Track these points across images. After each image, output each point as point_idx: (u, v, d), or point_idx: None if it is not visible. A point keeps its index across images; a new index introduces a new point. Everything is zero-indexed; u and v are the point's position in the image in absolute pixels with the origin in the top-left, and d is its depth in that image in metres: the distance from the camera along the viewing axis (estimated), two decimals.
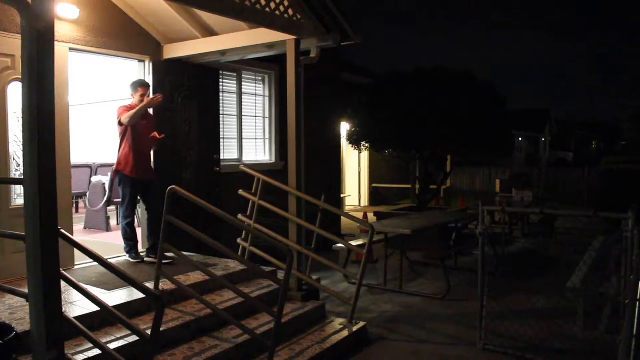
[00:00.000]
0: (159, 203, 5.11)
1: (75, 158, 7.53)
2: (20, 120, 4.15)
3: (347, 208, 14.85)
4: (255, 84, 8.55)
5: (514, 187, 11.82)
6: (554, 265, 8.34)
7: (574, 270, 5.88)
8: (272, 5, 5.32)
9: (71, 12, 5.38)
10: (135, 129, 5.67)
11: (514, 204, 10.38)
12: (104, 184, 7.98)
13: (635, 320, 1.82)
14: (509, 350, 4.91)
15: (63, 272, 3.06)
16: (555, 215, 10.64)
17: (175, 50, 6.45)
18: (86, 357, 3.59)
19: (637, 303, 2.05)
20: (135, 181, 5.70)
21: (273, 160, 8.72)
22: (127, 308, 4.24)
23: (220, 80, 7.49)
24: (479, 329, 5.08)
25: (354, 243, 7.34)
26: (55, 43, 2.80)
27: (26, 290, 2.84)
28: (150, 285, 4.63)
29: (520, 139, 33.27)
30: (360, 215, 9.73)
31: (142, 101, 5.70)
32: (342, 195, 12.64)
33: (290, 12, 5.52)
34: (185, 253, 4.95)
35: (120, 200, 8.06)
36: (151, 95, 5.83)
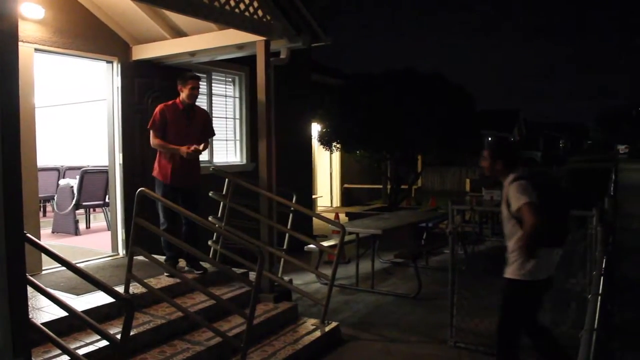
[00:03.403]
0: (194, 209, 4.98)
1: (43, 161, 7.42)
2: None
3: (318, 209, 14.87)
4: (226, 85, 8.51)
5: (483, 187, 11.98)
6: None
7: None
8: (242, 6, 5.30)
9: (36, 12, 5.28)
10: (174, 132, 5.30)
11: (484, 203, 10.52)
12: (72, 187, 7.84)
13: (597, 314, 1.88)
14: (479, 347, 4.98)
15: (30, 277, 3.01)
16: None
17: (145, 51, 6.39)
18: None
19: (599, 298, 2.12)
20: (169, 188, 5.27)
21: (244, 161, 8.69)
22: (96, 313, 4.18)
23: None
24: (449, 327, 5.15)
25: (325, 244, 7.36)
26: (20, 43, 2.76)
27: None
28: (120, 289, 4.58)
29: (489, 139, 33.72)
30: (332, 215, 9.76)
31: (191, 96, 5.30)
32: (313, 196, 12.66)
33: (260, 13, 5.51)
34: (156, 256, 4.90)
35: (89, 203, 8.04)
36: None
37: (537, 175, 3.81)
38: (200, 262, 5.42)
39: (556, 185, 3.98)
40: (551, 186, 3.84)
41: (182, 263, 5.58)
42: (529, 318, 3.99)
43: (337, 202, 16.70)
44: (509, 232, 3.78)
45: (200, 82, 7.80)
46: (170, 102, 5.42)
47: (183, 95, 5.36)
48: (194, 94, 5.37)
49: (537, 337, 4.00)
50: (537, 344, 4.04)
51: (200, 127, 5.51)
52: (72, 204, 7.74)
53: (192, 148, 5.18)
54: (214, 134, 5.78)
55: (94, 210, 8.84)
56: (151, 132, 5.33)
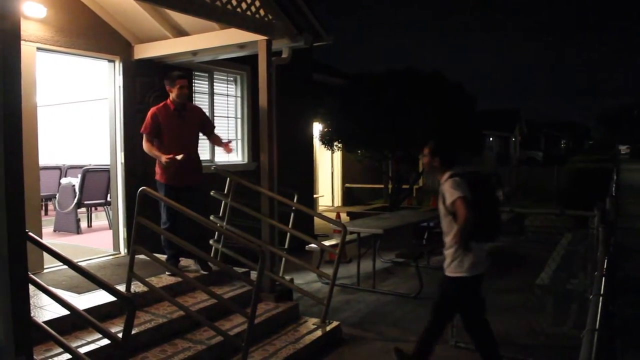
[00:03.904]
0: (200, 208, 5.03)
1: (45, 160, 7.43)
2: None
3: (320, 208, 14.87)
4: (227, 84, 8.51)
5: None
6: (524, 263, 8.49)
7: (543, 267, 5.99)
8: (244, 5, 5.30)
9: (38, 11, 5.29)
10: (169, 134, 5.28)
11: None
12: (73, 185, 7.85)
13: (599, 314, 1.89)
14: None
15: (32, 276, 3.01)
16: (525, 214, 10.81)
17: (146, 51, 6.39)
18: None
19: (600, 298, 2.12)
20: (170, 188, 5.28)
21: (246, 161, 8.69)
22: (98, 311, 4.19)
23: (193, 80, 7.44)
24: (450, 327, 5.14)
25: (327, 243, 7.37)
26: (22, 42, 2.77)
27: None
28: (121, 287, 4.58)
29: (491, 138, 33.71)
30: (333, 215, 9.76)
31: (181, 95, 5.27)
32: (315, 196, 12.66)
33: (262, 12, 5.51)
34: (157, 255, 4.90)
35: (91, 202, 8.05)
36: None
37: (471, 174, 4.02)
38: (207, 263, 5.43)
39: (488, 183, 4.24)
40: (483, 184, 4.05)
41: (184, 262, 5.59)
42: (470, 314, 4.19)
43: (338, 201, 16.70)
44: (446, 229, 4.00)
45: (202, 82, 7.88)
46: (161, 104, 5.39)
47: (173, 95, 5.32)
48: (184, 92, 5.34)
49: (438, 331, 4.23)
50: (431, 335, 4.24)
51: (196, 126, 5.51)
52: (74, 203, 7.75)
53: (170, 157, 5.09)
54: (214, 127, 5.75)
55: (96, 209, 8.86)
56: (144, 135, 5.32)
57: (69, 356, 3.46)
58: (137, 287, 4.79)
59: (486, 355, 4.17)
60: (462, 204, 3.68)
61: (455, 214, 3.79)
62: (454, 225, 3.83)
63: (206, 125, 5.62)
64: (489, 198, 3.99)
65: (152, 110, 5.35)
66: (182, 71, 6.76)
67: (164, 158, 5.11)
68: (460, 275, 3.93)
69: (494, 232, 4.07)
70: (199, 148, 5.69)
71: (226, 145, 5.47)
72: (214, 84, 8.16)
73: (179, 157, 5.11)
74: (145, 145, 5.32)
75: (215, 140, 5.66)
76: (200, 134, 5.64)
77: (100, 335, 3.68)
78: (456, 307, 4.15)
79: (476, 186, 3.88)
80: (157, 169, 5.38)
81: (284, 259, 6.19)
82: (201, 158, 5.63)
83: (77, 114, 10.10)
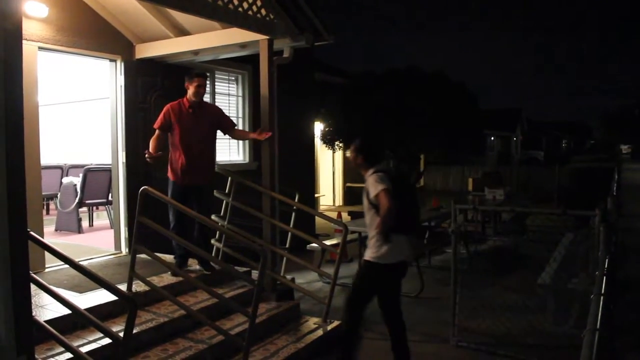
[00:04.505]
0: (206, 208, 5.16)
1: (46, 159, 7.43)
2: None
3: (321, 208, 14.87)
4: (229, 83, 8.51)
5: (486, 186, 11.96)
6: (525, 262, 8.46)
7: (544, 267, 5.98)
8: (245, 5, 5.31)
9: (40, 10, 5.29)
10: (180, 130, 5.29)
11: (486, 203, 10.51)
12: (75, 185, 7.86)
13: (599, 314, 1.89)
14: (481, 347, 4.98)
15: (33, 275, 3.02)
16: (526, 213, 10.80)
17: (148, 50, 6.39)
18: None
19: (601, 297, 2.12)
20: (180, 187, 5.32)
21: (247, 160, 8.70)
22: (99, 311, 4.19)
23: None
24: (452, 326, 5.14)
25: (328, 242, 7.36)
26: (24, 42, 2.77)
27: None
28: (123, 287, 4.58)
29: (492, 138, 33.67)
30: (334, 214, 9.76)
31: (196, 93, 5.30)
32: (316, 195, 12.66)
33: (263, 12, 5.52)
34: (159, 254, 4.90)
35: (92, 202, 8.06)
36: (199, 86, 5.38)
37: (392, 171, 4.34)
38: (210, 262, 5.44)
39: (407, 179, 4.64)
40: (403, 180, 4.36)
41: (190, 262, 5.60)
42: (384, 300, 4.54)
43: (339, 201, 16.70)
44: (369, 221, 4.19)
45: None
46: (176, 102, 5.42)
47: (190, 92, 5.37)
48: (200, 91, 5.36)
49: (357, 325, 4.55)
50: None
51: (211, 124, 5.49)
52: (76, 202, 7.76)
53: (146, 151, 5.22)
54: (233, 124, 5.73)
55: (97, 209, 8.86)
56: (156, 130, 5.39)
57: (70, 355, 3.47)
58: (138, 286, 4.79)
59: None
60: (385, 195, 3.88)
61: (377, 207, 3.98)
62: (377, 219, 4.02)
63: (222, 123, 5.60)
64: (408, 193, 4.25)
65: (166, 107, 5.40)
66: (184, 70, 6.77)
67: (146, 152, 5.22)
68: (373, 261, 4.15)
69: (412, 225, 4.35)
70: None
71: (259, 134, 5.48)
72: (216, 83, 8.16)
73: (156, 154, 5.21)
74: (151, 141, 5.37)
75: (240, 135, 6.03)
76: (225, 135, 5.74)
77: (102, 335, 3.68)
78: (365, 291, 4.39)
79: (398, 182, 4.11)
80: (169, 167, 5.41)
81: (285, 258, 6.20)
82: None
83: (79, 114, 10.12)
